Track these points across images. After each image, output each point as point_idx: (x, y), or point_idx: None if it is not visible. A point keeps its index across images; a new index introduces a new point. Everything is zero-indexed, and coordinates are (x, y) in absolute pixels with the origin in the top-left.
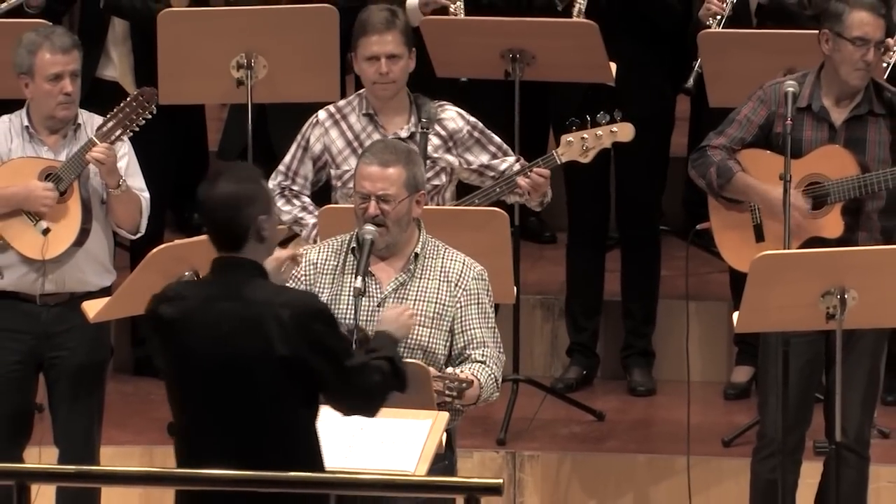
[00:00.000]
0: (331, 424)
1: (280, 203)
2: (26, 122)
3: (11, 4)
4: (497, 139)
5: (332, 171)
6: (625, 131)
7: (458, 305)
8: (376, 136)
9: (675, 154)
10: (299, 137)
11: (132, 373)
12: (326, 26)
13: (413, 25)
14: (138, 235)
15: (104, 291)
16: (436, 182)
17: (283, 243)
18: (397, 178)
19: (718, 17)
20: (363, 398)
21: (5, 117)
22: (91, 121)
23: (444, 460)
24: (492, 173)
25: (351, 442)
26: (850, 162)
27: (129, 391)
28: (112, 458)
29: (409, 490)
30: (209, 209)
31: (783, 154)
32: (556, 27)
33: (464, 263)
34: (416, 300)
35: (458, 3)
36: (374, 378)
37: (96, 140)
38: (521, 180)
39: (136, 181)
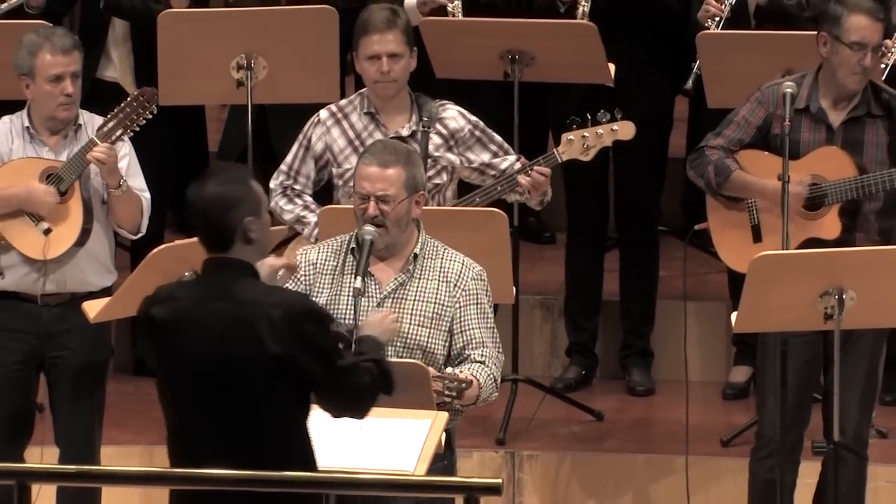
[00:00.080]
0: (331, 424)
1: (282, 202)
2: (27, 123)
3: (12, 5)
4: (498, 138)
5: (334, 170)
6: (626, 129)
7: (458, 306)
8: (378, 135)
9: (674, 155)
10: (301, 137)
11: (132, 373)
12: (326, 27)
13: (412, 25)
14: (139, 236)
15: (105, 291)
16: (437, 181)
17: (284, 243)
18: (397, 179)
19: (717, 19)
20: (354, 399)
21: (6, 118)
22: (92, 121)
23: (443, 460)
24: (493, 172)
25: (351, 442)
26: (848, 163)
27: (129, 391)
28: (112, 457)
29: (409, 490)
30: (197, 211)
31: (781, 155)
32: (555, 28)
33: (463, 264)
34: (415, 300)
35: (456, 2)
36: (364, 379)
37: (97, 140)
38: (522, 179)
39: (137, 181)
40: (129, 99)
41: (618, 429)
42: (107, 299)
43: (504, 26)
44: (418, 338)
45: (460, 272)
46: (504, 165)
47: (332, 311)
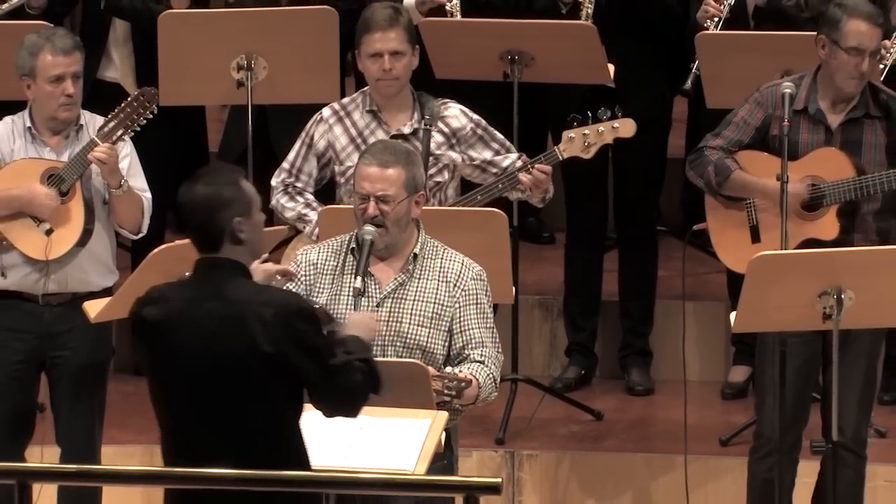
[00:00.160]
0: (330, 424)
1: (283, 200)
2: (28, 124)
3: (13, 5)
4: (500, 136)
5: (336, 168)
6: (626, 127)
7: (457, 305)
8: (380, 133)
9: (673, 155)
10: (303, 135)
11: (133, 372)
12: (326, 28)
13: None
14: (140, 236)
15: (106, 291)
16: (438, 179)
17: (284, 243)
18: (396, 179)
19: (716, 19)
20: (347, 397)
21: (8, 119)
22: (93, 121)
23: (443, 459)
24: (494, 170)
25: (350, 441)
26: (847, 164)
27: (130, 391)
28: (113, 457)
29: (409, 489)
30: (186, 211)
31: (780, 156)
32: (554, 29)
33: (462, 264)
34: (415, 300)
35: (455, 1)
36: (356, 377)
37: (98, 140)
38: (523, 176)
39: (138, 181)
40: (129, 99)
41: (617, 428)
42: (108, 299)
43: (504, 27)
44: (418, 338)
45: (460, 272)
46: (506, 163)
47: (332, 311)
